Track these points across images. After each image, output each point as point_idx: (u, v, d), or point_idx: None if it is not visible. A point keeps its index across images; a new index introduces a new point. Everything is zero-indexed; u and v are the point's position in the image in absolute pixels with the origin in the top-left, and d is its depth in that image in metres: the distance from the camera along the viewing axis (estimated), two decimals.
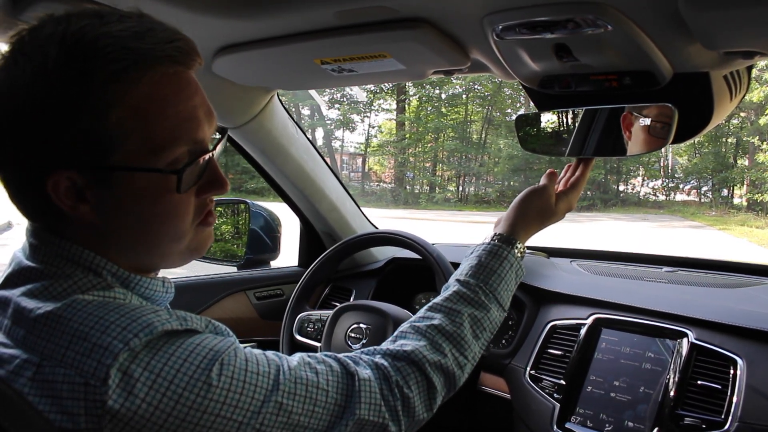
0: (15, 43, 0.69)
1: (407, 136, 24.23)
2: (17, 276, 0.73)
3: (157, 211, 0.73)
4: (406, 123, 24.64)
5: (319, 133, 26.12)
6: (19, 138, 0.68)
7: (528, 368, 1.44)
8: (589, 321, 1.40)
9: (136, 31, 0.68)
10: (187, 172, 0.73)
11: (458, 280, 1.02)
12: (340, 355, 0.85)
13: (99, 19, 0.68)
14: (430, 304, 0.99)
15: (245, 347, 0.76)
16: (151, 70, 0.69)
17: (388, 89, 24.19)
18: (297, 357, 0.81)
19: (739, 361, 1.17)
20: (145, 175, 0.71)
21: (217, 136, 0.81)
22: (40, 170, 0.69)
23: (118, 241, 0.75)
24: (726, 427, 1.11)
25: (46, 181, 0.69)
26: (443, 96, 24.53)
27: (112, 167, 0.69)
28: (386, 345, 0.92)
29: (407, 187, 24.43)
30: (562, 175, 1.21)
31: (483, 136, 24.54)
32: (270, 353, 0.78)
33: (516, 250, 1.06)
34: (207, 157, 0.76)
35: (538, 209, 1.12)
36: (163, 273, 0.86)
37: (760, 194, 18.49)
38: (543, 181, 1.15)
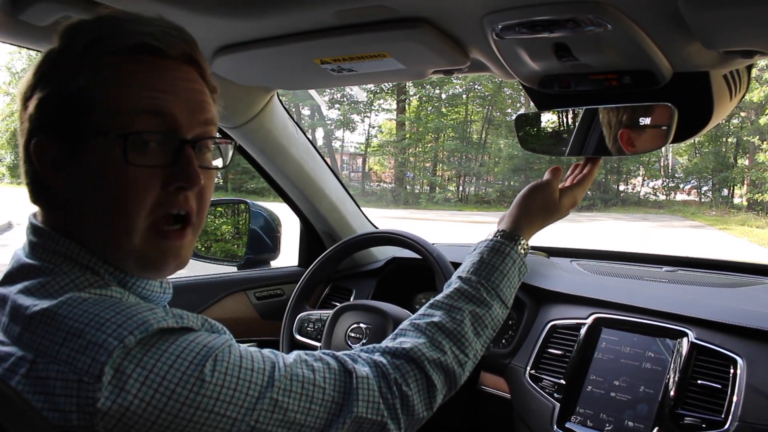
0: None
1: (407, 136, 24.22)
2: (16, 273, 0.74)
3: (111, 185, 0.71)
4: (406, 123, 24.64)
5: (320, 133, 26.15)
6: (21, 109, 0.75)
7: (528, 368, 1.44)
8: (590, 321, 1.40)
9: (138, 18, 0.74)
10: (136, 141, 0.71)
11: (460, 277, 1.01)
12: (338, 353, 0.85)
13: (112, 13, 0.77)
14: (431, 301, 0.99)
15: (241, 345, 0.75)
16: (125, 42, 0.72)
17: (388, 89, 24.19)
18: (294, 354, 0.81)
19: (739, 360, 1.17)
20: (102, 141, 0.71)
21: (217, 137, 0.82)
22: (30, 136, 0.74)
23: (83, 225, 0.74)
24: (726, 426, 1.11)
25: (29, 146, 0.74)
26: (443, 96, 24.54)
27: (78, 130, 0.72)
28: (385, 343, 0.91)
29: (407, 187, 24.43)
30: (569, 173, 1.20)
31: (483, 136, 24.54)
32: (266, 351, 0.78)
33: (519, 247, 1.05)
34: (179, 143, 0.74)
35: (541, 205, 1.11)
36: None
37: (760, 194, 18.49)
38: (546, 176, 1.14)
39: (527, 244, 1.07)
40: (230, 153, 0.85)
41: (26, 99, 0.75)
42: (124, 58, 0.72)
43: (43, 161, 0.73)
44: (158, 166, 0.72)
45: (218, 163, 0.84)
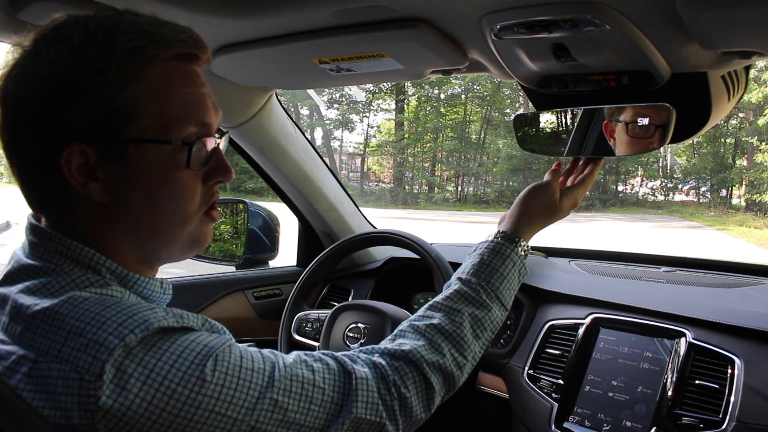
0: (37, 38, 0.73)
1: (406, 136, 24.23)
2: (16, 273, 0.74)
3: (166, 188, 0.75)
4: (405, 123, 24.65)
5: (318, 133, 26.16)
6: (38, 112, 0.71)
7: (526, 368, 1.44)
8: (588, 321, 1.41)
9: (154, 21, 0.75)
10: (195, 148, 0.76)
11: (460, 279, 1.01)
12: (338, 354, 0.85)
13: (117, 13, 0.75)
14: (430, 302, 0.99)
15: (241, 345, 0.76)
16: (166, 51, 0.73)
17: (387, 89, 24.22)
18: (293, 355, 0.81)
19: (737, 360, 1.18)
20: (156, 148, 0.73)
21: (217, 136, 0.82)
22: (56, 144, 0.71)
23: (126, 223, 0.75)
24: (723, 426, 1.11)
25: (60, 154, 0.71)
26: (442, 96, 24.56)
27: (126, 139, 0.72)
28: (385, 344, 0.91)
29: (406, 187, 24.44)
30: (567, 168, 1.19)
31: (482, 136, 24.56)
32: (266, 351, 0.78)
33: (519, 249, 1.05)
34: (214, 143, 0.79)
35: (542, 206, 1.10)
36: (160, 272, 0.86)
37: (758, 195, 18.51)
38: (547, 177, 1.14)
39: (527, 246, 1.07)
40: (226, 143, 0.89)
41: (40, 104, 0.71)
42: (167, 65, 0.74)
43: (80, 168, 0.72)
44: (202, 166, 0.79)
45: None
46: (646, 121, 1.08)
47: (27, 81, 0.71)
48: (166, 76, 0.74)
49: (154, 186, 0.75)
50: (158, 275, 0.85)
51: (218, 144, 0.81)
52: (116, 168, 0.73)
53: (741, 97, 1.19)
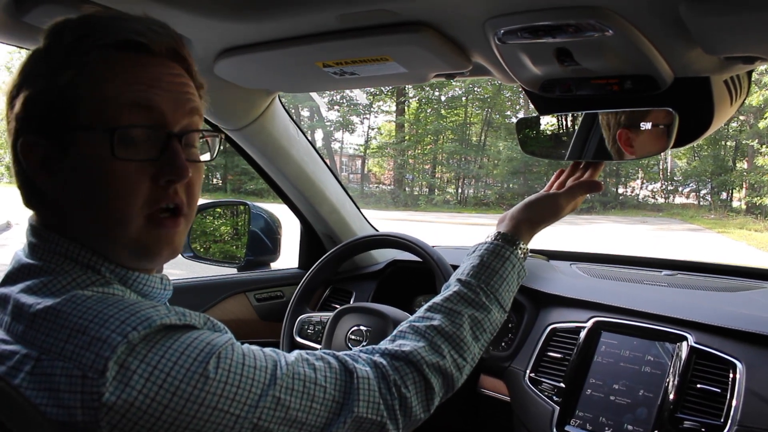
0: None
1: (407, 138, 24.23)
2: (17, 273, 0.74)
3: (99, 181, 0.72)
4: (405, 125, 24.65)
5: (319, 135, 26.16)
6: (12, 105, 0.74)
7: (528, 371, 1.44)
8: (589, 324, 1.41)
9: (125, 16, 0.75)
10: (123, 135, 0.71)
11: (459, 280, 1.01)
12: (339, 353, 0.86)
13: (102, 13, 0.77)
14: (429, 303, 0.99)
15: (243, 344, 0.76)
16: (107, 38, 0.72)
17: (387, 91, 24.22)
18: (295, 353, 0.81)
19: (739, 364, 1.18)
20: (91, 136, 0.71)
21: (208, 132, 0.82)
22: (16, 135, 0.74)
23: (76, 222, 0.75)
24: (725, 430, 1.11)
25: (17, 144, 0.73)
26: (443, 98, 24.56)
27: (66, 129, 0.72)
28: (385, 344, 0.92)
29: (406, 188, 24.44)
30: (567, 173, 1.20)
31: (482, 138, 24.55)
32: (268, 349, 0.78)
33: (519, 251, 1.05)
34: (166, 136, 0.74)
35: (543, 210, 1.11)
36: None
37: (759, 197, 18.49)
38: (553, 191, 1.15)
39: (527, 248, 1.08)
40: (217, 146, 0.86)
41: (12, 98, 0.74)
42: (109, 53, 0.72)
43: (32, 160, 0.74)
44: (146, 160, 0.73)
45: (206, 157, 0.84)
46: (649, 125, 1.09)
47: (11, 81, 0.76)
48: (109, 64, 0.72)
49: (89, 177, 0.72)
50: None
51: (179, 139, 0.75)
52: (63, 159, 0.73)
53: (743, 102, 1.19)
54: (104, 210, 0.73)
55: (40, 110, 0.72)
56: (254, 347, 0.77)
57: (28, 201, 0.78)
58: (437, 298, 0.99)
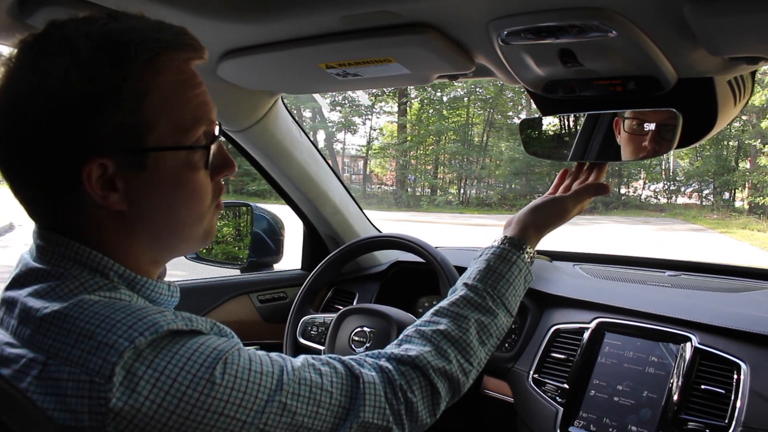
0: (27, 48, 0.70)
1: (409, 138, 24.21)
2: (24, 277, 0.74)
3: (185, 191, 0.77)
4: (407, 125, 24.63)
5: (321, 136, 26.15)
6: (53, 132, 0.69)
7: (531, 372, 1.44)
8: (593, 325, 1.40)
9: (153, 25, 0.74)
10: (210, 148, 0.78)
11: (466, 284, 1.01)
12: (345, 358, 0.85)
13: (112, 18, 0.73)
14: (436, 307, 0.99)
15: (249, 349, 0.76)
16: (175, 56, 0.74)
17: (389, 92, 24.20)
18: (301, 358, 0.81)
19: (743, 365, 1.17)
20: (176, 153, 0.74)
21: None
22: (76, 161, 0.70)
23: (145, 227, 0.76)
24: (729, 431, 1.11)
25: (81, 170, 0.70)
26: (445, 99, 24.54)
27: (145, 149, 0.72)
28: (391, 349, 0.92)
29: (408, 189, 24.42)
30: (572, 176, 1.20)
31: (484, 138, 24.53)
32: (274, 354, 0.78)
33: (526, 255, 1.05)
34: (216, 139, 0.80)
35: (552, 215, 1.11)
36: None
37: (761, 197, 18.45)
38: (560, 192, 1.16)
39: (534, 253, 1.07)
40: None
41: (60, 121, 0.69)
42: (175, 70, 0.74)
43: (99, 181, 0.71)
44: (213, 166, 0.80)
45: None
46: (652, 126, 1.09)
47: (38, 99, 0.68)
48: (176, 82, 0.74)
49: (173, 190, 0.76)
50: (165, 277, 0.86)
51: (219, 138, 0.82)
52: (135, 177, 0.73)
53: (747, 102, 1.19)
54: (185, 214, 0.78)
55: (111, 136, 0.70)
56: (261, 352, 0.77)
57: (54, 218, 0.75)
58: (443, 302, 0.99)
